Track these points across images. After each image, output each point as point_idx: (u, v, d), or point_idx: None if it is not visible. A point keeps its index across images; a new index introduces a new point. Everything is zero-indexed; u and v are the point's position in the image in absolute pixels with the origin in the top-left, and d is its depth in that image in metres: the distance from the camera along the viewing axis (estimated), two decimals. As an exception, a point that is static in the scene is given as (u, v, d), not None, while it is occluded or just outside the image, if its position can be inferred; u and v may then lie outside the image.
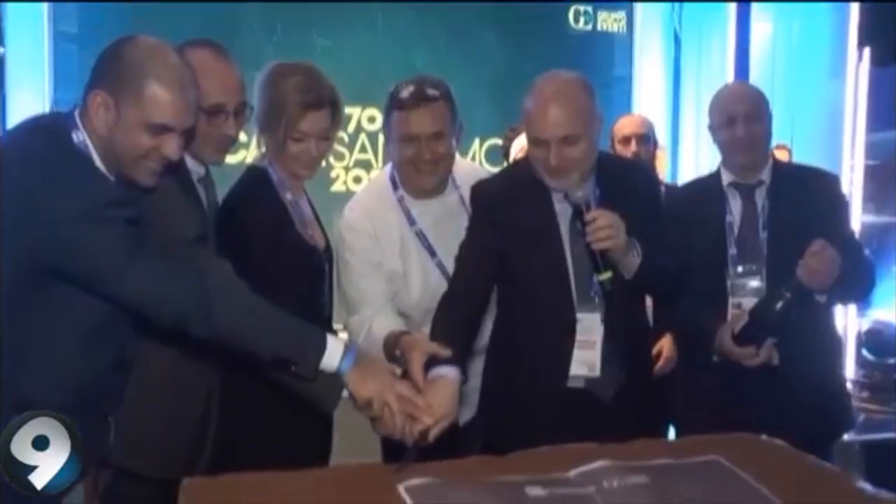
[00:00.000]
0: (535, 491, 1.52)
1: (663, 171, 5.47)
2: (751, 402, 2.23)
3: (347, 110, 5.89)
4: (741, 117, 2.31)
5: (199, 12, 4.79)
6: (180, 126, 1.68)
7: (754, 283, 2.29)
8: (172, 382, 1.87)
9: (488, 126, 5.24)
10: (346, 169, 5.86)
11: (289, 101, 2.08)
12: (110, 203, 1.58)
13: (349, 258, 2.23)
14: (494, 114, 5.68)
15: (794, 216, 2.27)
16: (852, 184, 4.92)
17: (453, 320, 2.01)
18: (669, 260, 2.09)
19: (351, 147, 5.95)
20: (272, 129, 2.11)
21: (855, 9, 5.55)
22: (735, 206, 2.35)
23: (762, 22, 6.21)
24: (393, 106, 2.19)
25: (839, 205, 2.43)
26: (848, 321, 4.79)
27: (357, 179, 5.92)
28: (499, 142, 5.42)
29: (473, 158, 5.99)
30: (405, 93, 2.16)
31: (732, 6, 6.15)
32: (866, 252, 2.45)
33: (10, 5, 4.42)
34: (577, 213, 1.99)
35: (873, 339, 4.89)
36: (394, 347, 2.00)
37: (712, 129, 2.40)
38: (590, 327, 2.07)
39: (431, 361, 1.87)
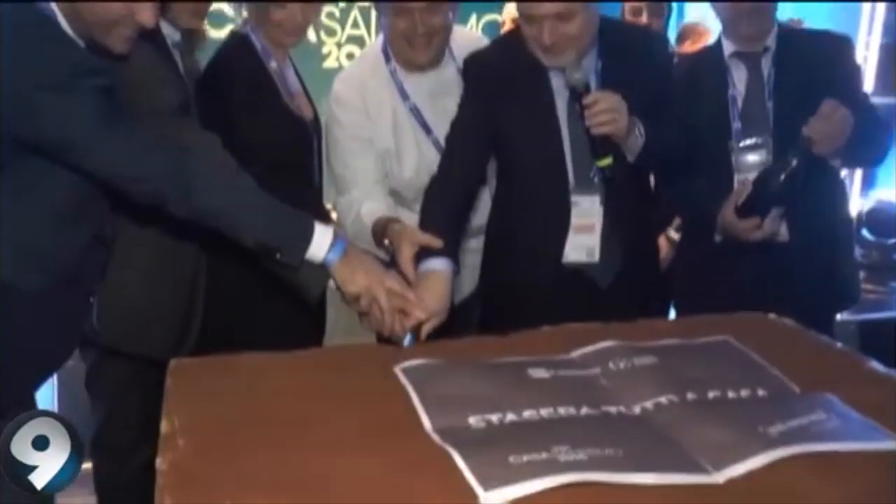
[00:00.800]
0: (537, 373, 1.45)
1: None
2: (755, 282, 2.15)
3: (340, -15, 5.69)
4: None
5: None
6: None
7: (760, 156, 2.16)
8: (157, 259, 1.79)
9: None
10: (339, 45, 5.70)
11: None
12: (81, 71, 1.47)
13: (338, 134, 2.11)
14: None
15: (803, 84, 2.11)
16: (866, 62, 4.75)
17: (444, 208, 1.92)
18: (674, 138, 1.97)
19: (343, 23, 5.79)
20: None
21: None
22: (739, 77, 2.19)
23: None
24: None
25: (852, 70, 2.26)
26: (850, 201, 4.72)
27: (350, 56, 5.76)
28: (497, 17, 5.22)
29: (471, 34, 5.79)
30: None
31: None
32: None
33: None
34: (576, 96, 1.85)
35: (874, 219, 4.83)
36: (382, 235, 1.92)
37: None
38: (588, 211, 1.96)
39: (422, 252, 1.79)
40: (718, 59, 2.22)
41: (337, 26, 5.47)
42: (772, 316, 1.84)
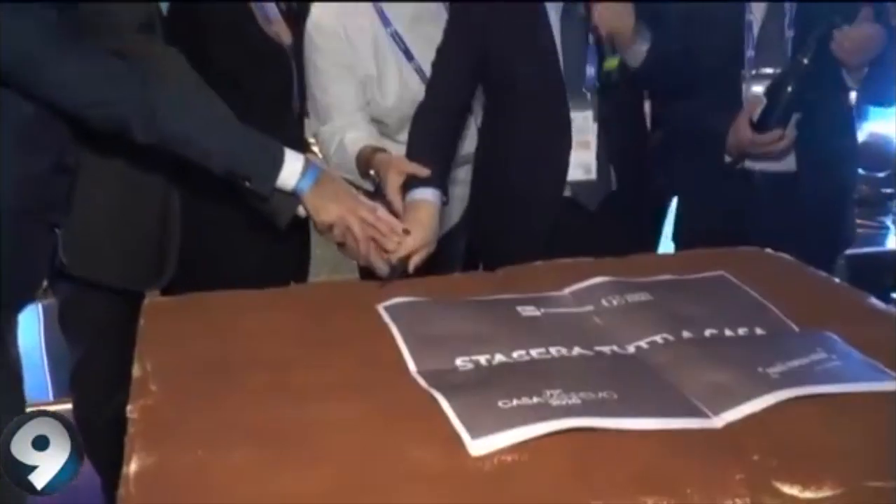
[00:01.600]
0: (527, 311, 1.39)
1: None
2: (756, 214, 2.09)
3: None
4: None
5: None
6: None
7: None
8: (125, 186, 1.69)
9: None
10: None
11: None
12: None
13: (318, 61, 2.01)
14: None
15: (829, 14, 1.98)
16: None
17: (431, 135, 1.84)
18: (680, 54, 1.88)
19: None
20: None
21: None
22: (758, 3, 2.04)
23: None
24: None
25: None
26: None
27: None
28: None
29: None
30: None
31: None
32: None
33: None
34: None
35: (866, 152, 4.77)
36: (367, 165, 1.85)
37: None
38: (583, 126, 1.89)
39: (410, 182, 1.72)
40: None
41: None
42: (768, 250, 1.79)
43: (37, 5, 1.35)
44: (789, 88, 1.92)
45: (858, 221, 4.29)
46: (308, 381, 1.17)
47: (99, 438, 1.68)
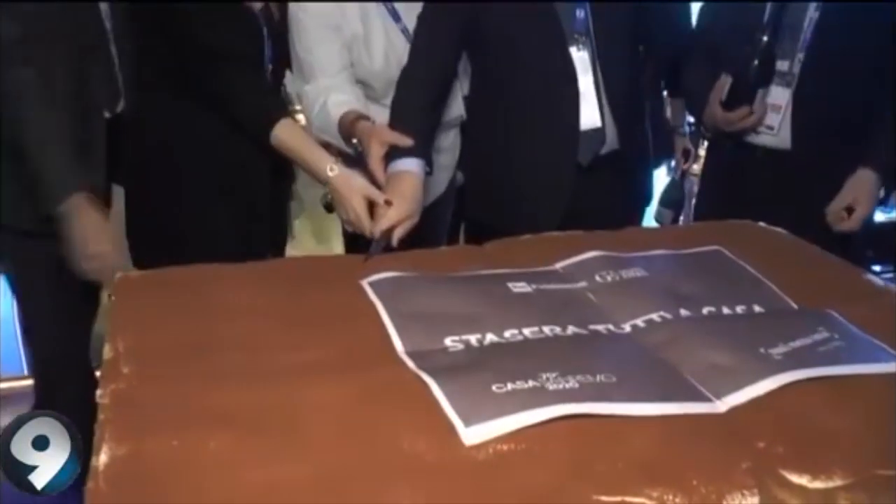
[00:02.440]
0: (518, 287, 1.33)
1: None
2: (750, 188, 2.04)
3: None
4: None
5: None
6: None
7: (782, 66, 1.99)
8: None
9: None
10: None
11: None
12: None
13: (304, 19, 1.94)
14: None
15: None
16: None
17: (415, 103, 1.77)
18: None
19: None
20: None
21: None
22: None
23: None
24: None
25: None
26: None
27: None
28: None
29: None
30: None
31: None
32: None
33: None
34: None
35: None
36: (350, 132, 1.78)
37: None
38: (580, 72, 1.81)
39: (393, 152, 1.67)
40: None
41: None
42: (762, 224, 1.74)
43: None
44: (754, 64, 1.95)
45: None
46: (289, 362, 1.10)
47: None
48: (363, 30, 1.95)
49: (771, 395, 1.07)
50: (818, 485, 0.93)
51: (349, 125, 1.79)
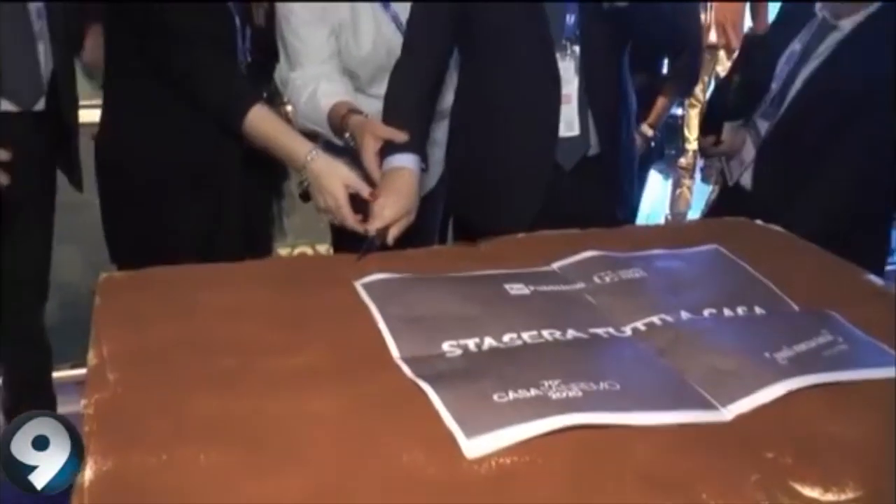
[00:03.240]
0: (516, 288, 1.30)
1: None
2: None
3: None
4: None
5: None
6: None
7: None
8: None
9: None
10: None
11: None
12: None
13: (292, 5, 1.90)
14: None
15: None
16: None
17: (410, 96, 1.72)
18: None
19: None
20: None
21: None
22: (804, 37, 1.99)
23: None
24: None
25: None
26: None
27: None
28: None
29: None
30: None
31: None
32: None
33: None
34: None
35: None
36: (342, 126, 1.74)
37: None
38: (566, 79, 1.78)
39: (387, 147, 1.62)
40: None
41: None
42: (758, 221, 1.72)
43: None
44: (719, 101, 2.14)
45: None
46: (282, 368, 1.06)
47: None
48: (351, 16, 1.91)
49: (777, 402, 1.05)
50: (830, 497, 0.90)
51: (341, 119, 1.75)
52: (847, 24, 1.92)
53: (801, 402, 1.05)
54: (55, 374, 2.25)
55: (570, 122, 1.80)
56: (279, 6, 1.93)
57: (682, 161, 5.81)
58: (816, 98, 1.94)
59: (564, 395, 0.99)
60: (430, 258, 1.47)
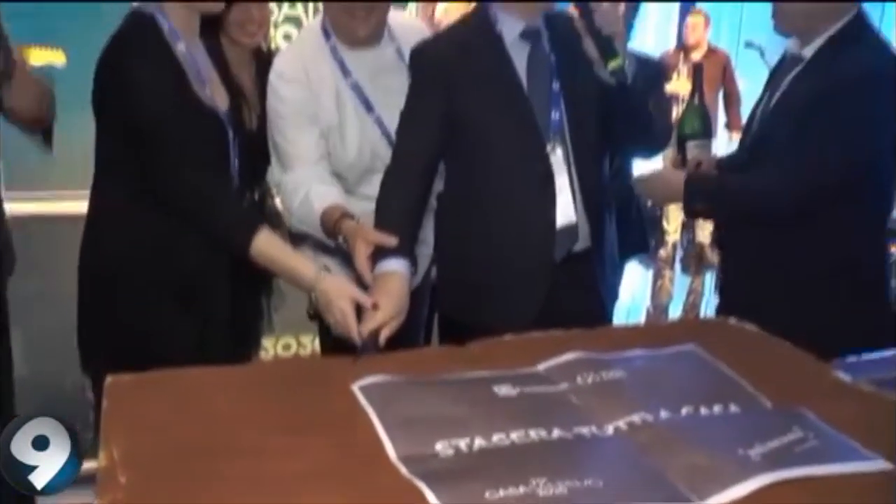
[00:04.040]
0: (503, 390, 1.38)
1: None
2: None
3: (277, -37, 5.56)
4: None
5: None
6: None
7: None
8: None
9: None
10: (275, 25, 5.59)
11: None
12: None
13: (281, 109, 2.02)
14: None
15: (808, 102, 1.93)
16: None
17: (400, 202, 1.83)
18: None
19: (279, 1, 5.71)
20: None
21: None
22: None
23: None
24: None
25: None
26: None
27: (287, 36, 5.71)
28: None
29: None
30: None
31: None
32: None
33: None
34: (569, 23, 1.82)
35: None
36: (335, 229, 1.83)
37: None
38: (557, 173, 1.89)
39: (378, 251, 1.72)
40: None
41: (273, 6, 5.34)
42: (732, 320, 1.80)
43: None
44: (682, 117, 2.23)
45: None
46: (285, 470, 1.13)
47: None
48: (338, 120, 2.03)
49: (751, 496, 1.11)
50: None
51: (334, 223, 1.83)
52: (808, 52, 1.98)
53: (774, 497, 1.12)
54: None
55: (565, 212, 1.89)
56: (270, 111, 2.04)
57: (662, 253, 5.96)
58: (771, 125, 2.02)
59: (551, 492, 1.06)
60: (423, 360, 1.55)
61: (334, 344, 1.73)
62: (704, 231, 5.53)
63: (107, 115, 1.80)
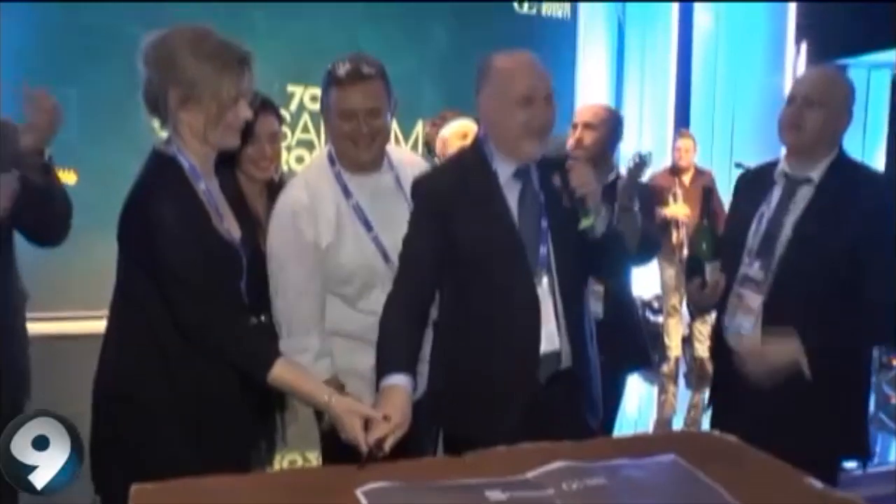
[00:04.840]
0: (495, 495, 1.51)
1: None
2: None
3: (290, 89, 5.86)
4: (800, 97, 2.25)
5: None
6: None
7: (756, 275, 2.30)
8: None
9: (433, 108, 5.30)
10: (289, 148, 5.80)
11: None
12: None
13: (284, 278, 2.22)
14: (439, 96, 5.69)
15: (830, 226, 2.19)
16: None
17: (402, 324, 2.01)
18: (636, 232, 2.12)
19: (293, 126, 5.90)
20: None
21: (793, 6, 5.74)
22: (775, 197, 2.32)
23: (704, 13, 6.34)
24: (331, 83, 2.19)
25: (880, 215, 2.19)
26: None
27: (299, 159, 5.88)
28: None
29: (416, 139, 6.00)
30: (342, 70, 2.16)
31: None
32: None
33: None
34: (557, 166, 2.03)
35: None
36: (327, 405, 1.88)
37: None
38: (543, 302, 2.06)
39: (383, 367, 1.90)
40: (769, 174, 2.36)
41: (287, 130, 5.61)
42: (715, 432, 1.93)
43: None
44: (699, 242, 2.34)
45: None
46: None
47: None
48: (336, 237, 2.22)
49: None
50: None
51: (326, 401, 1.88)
52: (815, 175, 2.25)
53: None
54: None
55: (550, 338, 2.07)
56: (272, 277, 2.22)
57: (665, 368, 6.05)
58: (807, 244, 2.21)
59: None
60: (423, 468, 1.68)
61: (337, 455, 1.84)
62: (703, 345, 5.64)
63: (132, 250, 1.88)
